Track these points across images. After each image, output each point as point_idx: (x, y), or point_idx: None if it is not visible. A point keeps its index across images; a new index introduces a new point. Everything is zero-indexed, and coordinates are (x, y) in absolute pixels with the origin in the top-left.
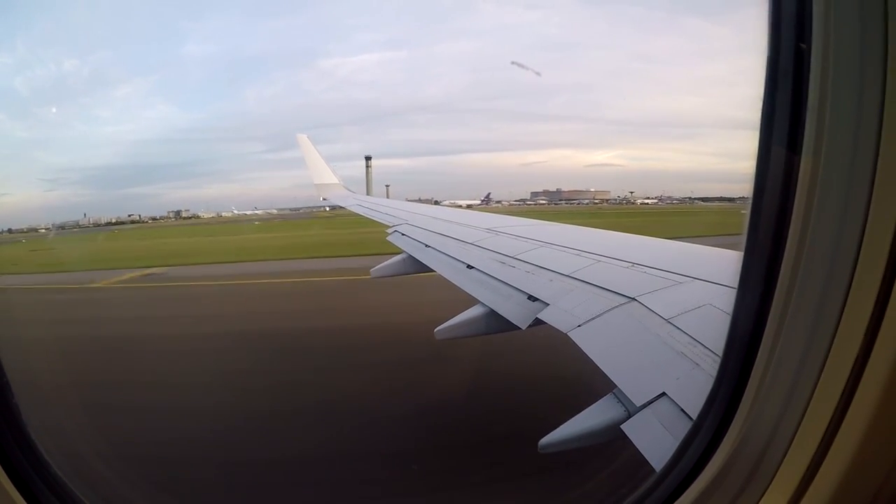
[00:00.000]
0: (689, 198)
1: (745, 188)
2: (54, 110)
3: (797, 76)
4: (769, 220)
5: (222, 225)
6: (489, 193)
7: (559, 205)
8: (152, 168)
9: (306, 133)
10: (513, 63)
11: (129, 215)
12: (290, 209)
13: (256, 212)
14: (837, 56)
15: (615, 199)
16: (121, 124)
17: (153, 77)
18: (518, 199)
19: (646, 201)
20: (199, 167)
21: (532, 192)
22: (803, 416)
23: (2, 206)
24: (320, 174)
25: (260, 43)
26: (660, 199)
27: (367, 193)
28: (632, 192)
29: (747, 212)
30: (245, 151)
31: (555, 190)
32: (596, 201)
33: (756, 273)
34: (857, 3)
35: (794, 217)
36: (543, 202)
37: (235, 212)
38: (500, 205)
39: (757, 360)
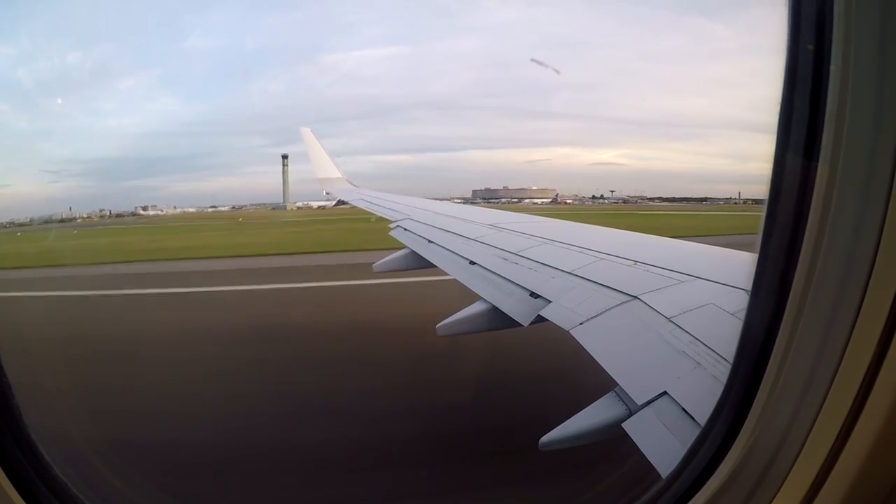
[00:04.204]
0: (639, 197)
1: (731, 189)
2: (60, 101)
3: (816, 81)
4: (784, 226)
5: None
6: None
7: (476, 203)
8: (155, 161)
9: (309, 127)
10: (532, 60)
11: (101, 210)
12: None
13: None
14: (857, 61)
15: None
16: (124, 117)
17: (156, 70)
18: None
19: (535, 201)
20: (203, 160)
21: (473, 190)
22: (814, 421)
23: (5, 197)
24: (324, 168)
25: (263, 37)
26: (555, 199)
27: (284, 195)
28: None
29: (762, 217)
30: (248, 145)
31: (501, 188)
32: (514, 200)
33: (770, 278)
34: (878, 7)
35: (809, 223)
36: (459, 200)
37: (142, 212)
38: None
39: (769, 364)
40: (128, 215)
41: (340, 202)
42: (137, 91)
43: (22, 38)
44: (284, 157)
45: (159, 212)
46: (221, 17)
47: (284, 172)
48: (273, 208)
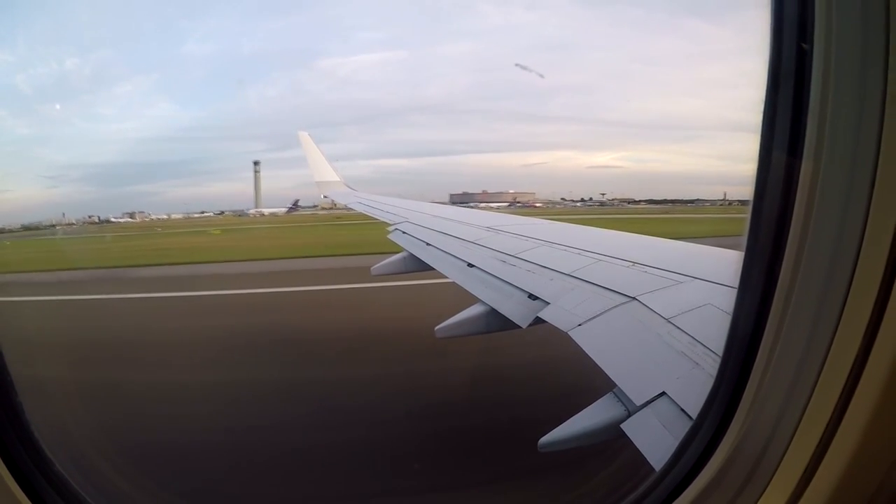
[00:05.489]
0: (618, 200)
1: (724, 190)
2: (58, 107)
3: (798, 79)
4: (770, 223)
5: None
6: (297, 200)
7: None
8: (154, 166)
9: (307, 132)
10: (516, 65)
11: (90, 216)
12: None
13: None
14: (839, 59)
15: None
16: (122, 122)
17: (154, 75)
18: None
19: (491, 205)
20: (201, 165)
21: (451, 194)
22: (802, 416)
23: (4, 202)
24: (321, 172)
25: (260, 42)
26: (513, 202)
27: (256, 201)
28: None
29: (748, 214)
30: (246, 150)
31: (480, 192)
32: (480, 204)
33: (756, 274)
34: (859, 5)
35: (794, 219)
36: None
37: (127, 219)
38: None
39: (756, 360)
40: (115, 222)
41: (292, 209)
42: (135, 96)
43: (20, 44)
44: (256, 163)
45: (138, 219)
46: (218, 22)
47: (256, 179)
48: (238, 215)
